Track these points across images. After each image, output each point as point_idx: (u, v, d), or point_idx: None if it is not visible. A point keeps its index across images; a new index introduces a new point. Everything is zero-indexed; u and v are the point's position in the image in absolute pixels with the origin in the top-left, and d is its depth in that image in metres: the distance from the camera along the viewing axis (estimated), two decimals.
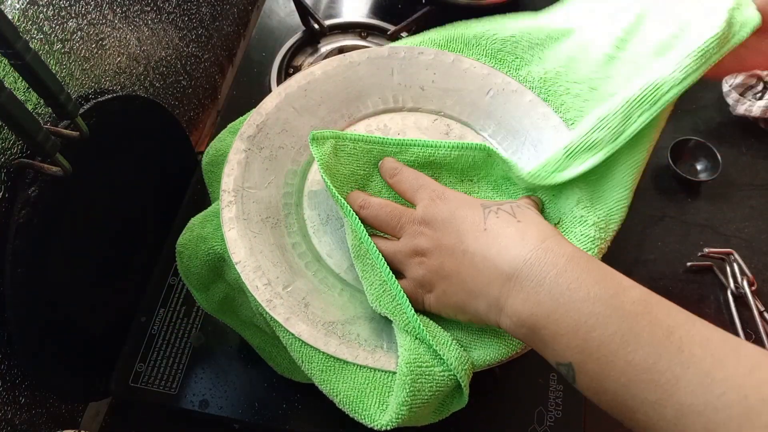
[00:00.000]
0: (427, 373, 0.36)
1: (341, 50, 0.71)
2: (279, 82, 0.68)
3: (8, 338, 0.44)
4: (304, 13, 0.71)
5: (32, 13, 0.42)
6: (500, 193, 0.45)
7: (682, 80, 0.39)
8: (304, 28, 0.72)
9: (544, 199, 0.44)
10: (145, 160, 0.58)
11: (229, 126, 0.50)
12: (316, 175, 0.47)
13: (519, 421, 0.50)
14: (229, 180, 0.44)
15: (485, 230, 0.36)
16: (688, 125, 0.76)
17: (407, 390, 0.35)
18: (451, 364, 0.36)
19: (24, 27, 0.42)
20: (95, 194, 0.51)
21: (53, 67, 0.46)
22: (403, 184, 0.42)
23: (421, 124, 0.49)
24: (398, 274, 0.40)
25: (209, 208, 0.46)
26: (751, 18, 0.39)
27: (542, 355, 0.33)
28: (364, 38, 0.73)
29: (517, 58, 0.49)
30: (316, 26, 0.72)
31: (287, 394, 0.51)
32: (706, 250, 0.67)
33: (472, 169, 0.46)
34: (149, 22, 0.59)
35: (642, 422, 0.29)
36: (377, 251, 0.39)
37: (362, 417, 0.36)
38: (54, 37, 0.45)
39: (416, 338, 0.37)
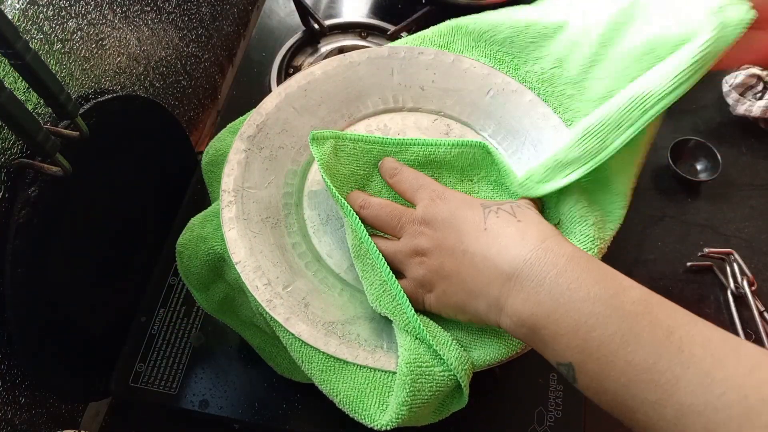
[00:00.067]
0: (427, 373, 0.36)
1: (341, 50, 0.71)
2: (279, 82, 0.68)
3: (8, 338, 0.44)
4: (304, 13, 0.71)
5: (32, 13, 0.42)
6: (500, 193, 0.46)
7: (672, 91, 0.36)
8: (304, 28, 0.72)
9: (543, 198, 0.44)
10: (145, 160, 0.58)
11: (228, 126, 0.50)
12: (316, 175, 0.47)
13: (519, 421, 0.50)
14: (229, 180, 0.44)
15: (485, 230, 0.36)
16: (688, 125, 0.76)
17: (407, 390, 0.35)
18: (451, 364, 0.36)
19: (24, 27, 0.42)
20: (95, 194, 0.51)
21: (53, 67, 0.46)
22: (402, 184, 0.42)
23: (421, 124, 0.49)
24: (398, 274, 0.40)
25: (209, 208, 0.46)
26: (743, 16, 0.37)
27: (542, 355, 0.33)
28: (364, 38, 0.73)
29: (515, 57, 0.49)
30: (316, 26, 0.72)
31: (287, 394, 0.51)
32: (706, 250, 0.67)
33: (472, 168, 0.46)
34: (149, 22, 0.59)
35: (642, 422, 0.29)
36: (377, 251, 0.39)
37: (362, 417, 0.36)
38: (54, 37, 0.45)
39: (416, 338, 0.37)
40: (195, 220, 0.46)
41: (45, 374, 0.47)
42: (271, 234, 0.43)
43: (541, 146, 0.46)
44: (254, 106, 0.47)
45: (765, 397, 0.26)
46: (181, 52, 0.68)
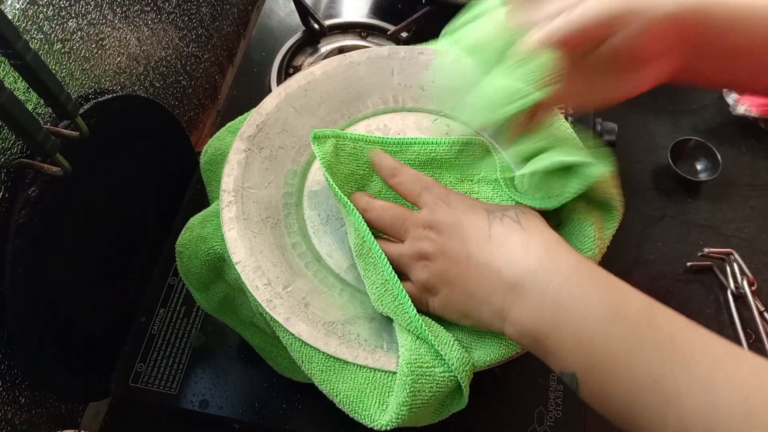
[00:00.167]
0: (427, 373, 0.36)
1: (341, 50, 0.71)
2: (279, 82, 0.68)
3: (8, 338, 0.44)
4: (304, 13, 0.71)
5: (32, 13, 0.42)
6: (500, 194, 0.45)
7: None
8: (304, 28, 0.72)
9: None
10: (145, 160, 0.58)
11: (227, 125, 0.50)
12: (316, 175, 0.47)
13: (519, 421, 0.50)
14: (229, 180, 0.44)
15: (490, 237, 0.36)
16: (688, 125, 0.76)
17: (407, 390, 0.35)
18: (453, 365, 0.36)
19: (24, 27, 0.42)
20: (95, 194, 0.51)
21: (53, 67, 0.46)
22: (404, 186, 0.42)
23: (421, 124, 0.49)
24: (402, 276, 0.40)
25: (209, 208, 0.46)
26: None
27: (546, 364, 0.33)
28: (364, 38, 0.73)
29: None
30: (316, 26, 0.72)
31: (287, 394, 0.51)
32: (706, 250, 0.67)
33: (472, 167, 0.46)
34: (149, 22, 0.59)
35: (645, 428, 0.29)
36: (380, 250, 0.39)
37: (362, 417, 0.36)
38: (54, 37, 0.45)
39: (417, 338, 0.37)
40: (195, 220, 0.46)
41: (45, 374, 0.47)
42: (271, 234, 0.43)
43: None
44: (254, 106, 0.47)
45: (766, 399, 0.26)
46: (181, 52, 0.68)
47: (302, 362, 0.38)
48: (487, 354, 0.38)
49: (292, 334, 0.38)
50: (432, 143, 0.45)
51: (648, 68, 0.37)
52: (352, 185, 0.45)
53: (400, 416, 0.35)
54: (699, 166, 0.72)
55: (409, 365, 0.36)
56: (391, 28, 0.72)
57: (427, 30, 0.71)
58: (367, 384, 0.37)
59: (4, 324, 0.43)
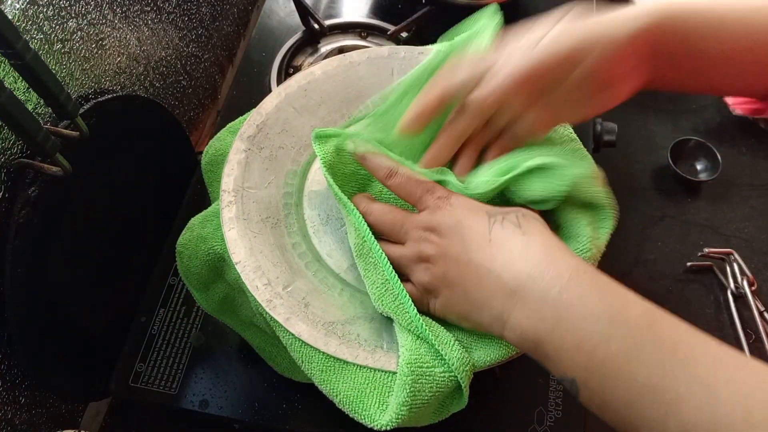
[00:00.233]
0: (427, 373, 0.36)
1: (341, 50, 0.71)
2: (279, 82, 0.68)
3: (8, 338, 0.44)
4: (304, 13, 0.71)
5: (32, 13, 0.42)
6: (498, 194, 0.45)
7: None
8: (304, 28, 0.72)
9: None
10: (145, 160, 0.58)
11: (228, 125, 0.50)
12: (316, 175, 0.47)
13: (519, 421, 0.50)
14: (229, 180, 0.44)
15: (490, 241, 0.35)
16: (688, 125, 0.76)
17: (408, 390, 0.35)
18: (453, 365, 0.36)
19: (24, 27, 0.42)
20: (95, 194, 0.51)
21: (53, 67, 0.46)
22: (403, 189, 0.41)
23: None
24: (403, 277, 0.40)
25: (209, 208, 0.46)
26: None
27: (546, 369, 0.33)
28: (364, 38, 0.73)
29: None
30: (316, 26, 0.72)
31: (287, 394, 0.51)
32: (706, 250, 0.67)
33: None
34: (149, 22, 0.59)
35: None
36: (380, 249, 0.39)
37: (362, 417, 0.36)
38: (54, 37, 0.45)
39: (418, 338, 0.37)
40: (195, 220, 0.46)
41: (45, 374, 0.47)
42: (271, 234, 0.43)
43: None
44: (254, 106, 0.47)
45: (766, 400, 0.26)
46: (181, 52, 0.68)
47: (302, 362, 0.38)
48: (487, 354, 0.38)
49: (292, 334, 0.38)
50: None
51: (618, 87, 0.38)
52: (354, 185, 0.45)
53: (400, 416, 0.35)
54: (699, 166, 0.72)
55: (409, 365, 0.36)
56: (391, 28, 0.72)
57: (427, 30, 0.71)
58: (367, 384, 0.37)
59: (4, 324, 0.43)
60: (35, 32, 0.43)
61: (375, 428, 0.35)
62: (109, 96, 0.49)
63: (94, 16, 0.50)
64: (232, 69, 0.83)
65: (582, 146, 0.46)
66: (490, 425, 0.50)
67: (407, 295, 0.38)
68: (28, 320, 0.44)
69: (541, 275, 0.33)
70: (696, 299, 0.65)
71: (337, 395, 0.37)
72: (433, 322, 0.38)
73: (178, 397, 0.51)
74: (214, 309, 0.48)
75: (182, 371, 0.52)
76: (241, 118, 0.49)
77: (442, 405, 0.38)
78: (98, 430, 0.56)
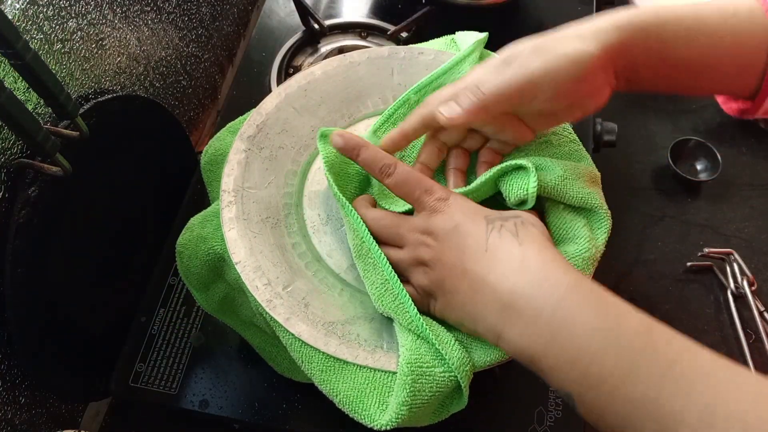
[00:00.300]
0: (427, 373, 0.36)
1: (341, 50, 0.71)
2: (279, 82, 0.68)
3: (8, 338, 0.44)
4: (304, 13, 0.71)
5: (32, 13, 0.42)
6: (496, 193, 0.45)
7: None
8: (304, 28, 0.72)
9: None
10: (145, 160, 0.58)
11: (228, 125, 0.50)
12: (316, 176, 0.47)
13: (519, 421, 0.50)
14: (229, 180, 0.44)
15: (486, 251, 0.35)
16: (688, 125, 0.76)
17: (408, 390, 0.35)
18: (453, 365, 0.36)
19: (24, 27, 0.42)
20: (95, 194, 0.51)
21: (53, 67, 0.46)
22: (401, 188, 0.40)
23: None
24: (403, 278, 0.40)
25: (209, 208, 0.46)
26: None
27: (544, 381, 0.33)
28: (364, 38, 0.73)
29: None
30: (316, 26, 0.72)
31: (287, 394, 0.51)
32: (706, 250, 0.67)
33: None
34: (149, 22, 0.59)
35: None
36: (379, 250, 0.39)
37: (362, 417, 0.36)
38: (54, 37, 0.45)
39: (418, 338, 0.37)
40: (195, 220, 0.46)
41: (45, 374, 0.47)
42: (271, 234, 0.43)
43: None
44: (254, 106, 0.47)
45: (763, 414, 0.26)
46: (181, 52, 0.68)
47: (302, 362, 0.38)
48: (487, 354, 0.38)
49: (292, 334, 0.38)
50: None
51: (591, 99, 0.39)
52: (356, 185, 0.45)
53: (400, 416, 0.35)
54: (699, 166, 0.72)
55: (409, 365, 0.36)
56: (391, 28, 0.72)
57: (427, 30, 0.71)
58: (367, 384, 0.37)
59: (4, 324, 0.43)
60: (35, 32, 0.43)
61: (375, 428, 0.35)
62: (109, 96, 0.49)
63: (94, 16, 0.50)
64: (232, 69, 0.83)
65: (582, 147, 0.46)
66: (490, 425, 0.50)
67: (407, 295, 0.38)
68: (28, 320, 0.44)
69: (536, 291, 0.32)
70: (696, 299, 0.65)
71: (337, 395, 0.37)
72: (434, 322, 0.38)
73: (178, 397, 0.51)
74: (214, 309, 0.48)
75: (182, 371, 0.52)
76: (241, 118, 0.49)
77: (442, 405, 0.38)
78: (98, 430, 0.56)
